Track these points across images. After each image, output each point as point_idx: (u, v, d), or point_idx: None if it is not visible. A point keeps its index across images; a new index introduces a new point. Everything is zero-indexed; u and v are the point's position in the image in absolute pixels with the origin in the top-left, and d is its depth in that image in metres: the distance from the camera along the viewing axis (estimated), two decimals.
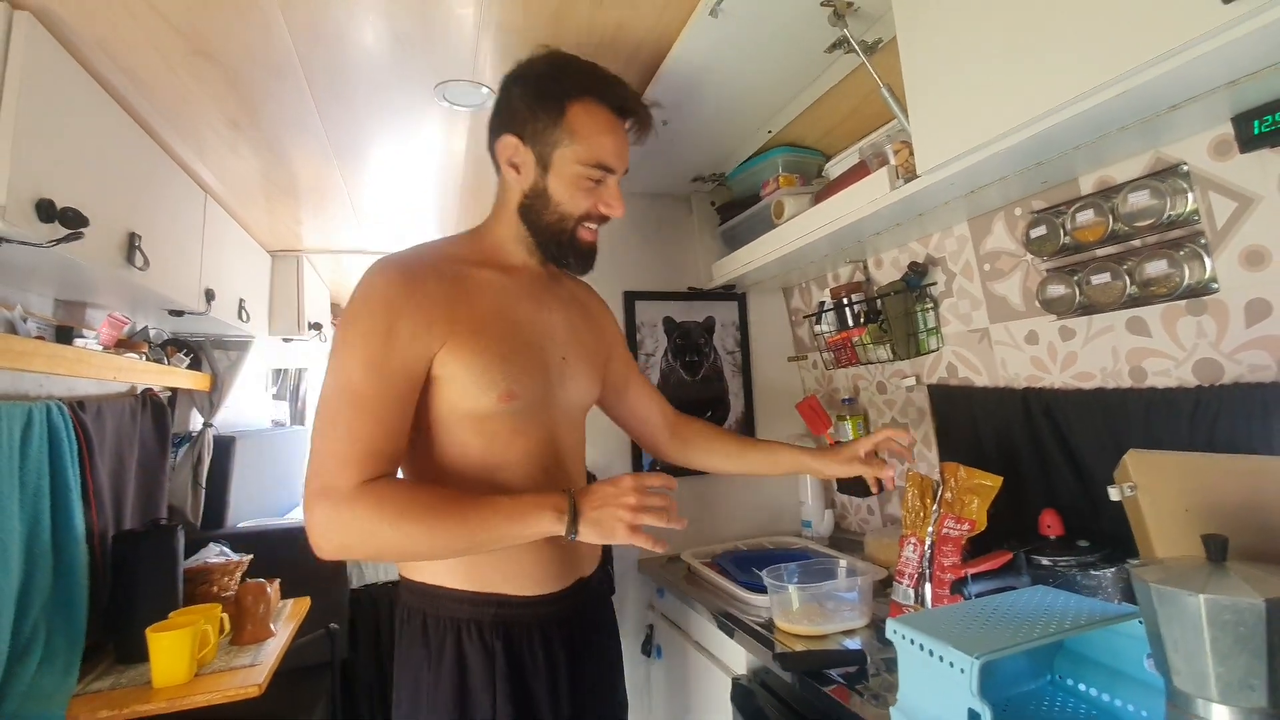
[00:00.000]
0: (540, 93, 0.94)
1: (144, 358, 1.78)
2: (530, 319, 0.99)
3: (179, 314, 1.72)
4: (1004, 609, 0.89)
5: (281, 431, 3.32)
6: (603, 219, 0.99)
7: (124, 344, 1.72)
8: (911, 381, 1.56)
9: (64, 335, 1.47)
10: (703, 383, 1.90)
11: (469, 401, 0.89)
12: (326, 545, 0.80)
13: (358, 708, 2.44)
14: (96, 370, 1.49)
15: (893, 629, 0.84)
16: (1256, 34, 0.66)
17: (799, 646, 1.13)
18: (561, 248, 0.99)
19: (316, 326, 2.57)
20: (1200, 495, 0.68)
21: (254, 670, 1.47)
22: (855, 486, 1.77)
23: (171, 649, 1.39)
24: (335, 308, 3.47)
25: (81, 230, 1.06)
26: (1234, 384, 0.95)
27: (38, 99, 1.02)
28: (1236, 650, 0.56)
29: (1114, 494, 0.83)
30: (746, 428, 1.93)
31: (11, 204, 0.94)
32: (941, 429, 1.51)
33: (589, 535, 0.84)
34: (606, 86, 0.96)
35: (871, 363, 1.60)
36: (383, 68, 1.26)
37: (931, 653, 0.77)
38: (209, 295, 1.74)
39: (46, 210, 1.01)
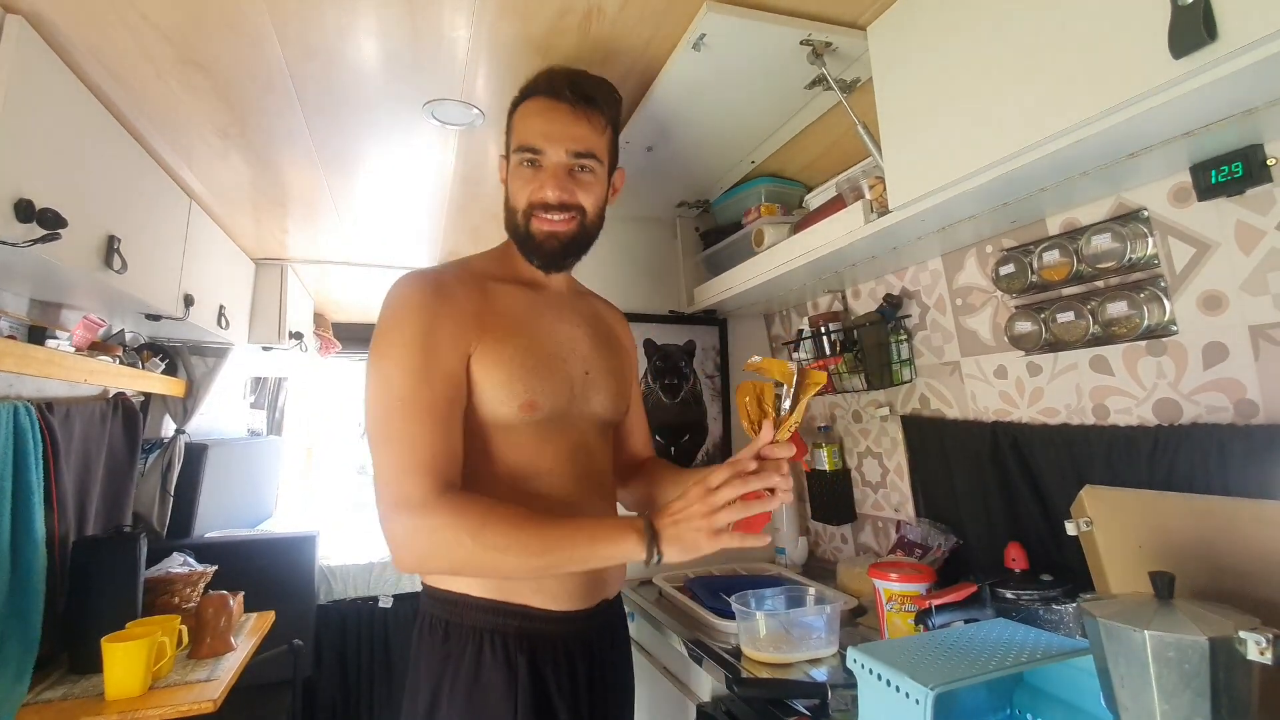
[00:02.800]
0: (510, 112, 1.03)
1: (118, 361, 1.76)
2: (551, 332, 1.00)
3: (156, 318, 1.70)
4: (965, 641, 0.89)
5: (257, 441, 3.28)
6: (547, 205, 0.96)
7: (98, 346, 1.70)
8: (886, 411, 1.58)
9: (36, 335, 1.45)
10: (682, 406, 1.91)
11: (492, 410, 0.90)
12: (408, 557, 0.81)
13: None
14: (67, 372, 1.47)
15: (852, 658, 0.84)
16: (1206, 89, 0.69)
17: (765, 674, 1.12)
18: (524, 243, 1.00)
19: (297, 336, 2.56)
20: (1153, 533, 0.69)
21: (209, 685, 1.44)
22: (828, 513, 1.78)
23: (126, 660, 1.36)
24: (319, 318, 3.45)
25: (59, 231, 1.05)
26: (1191, 424, 0.98)
27: (23, 100, 1.03)
28: (1181, 688, 0.57)
29: (1070, 529, 0.85)
30: (724, 451, 1.94)
31: None
32: (913, 459, 1.53)
33: (673, 554, 0.79)
34: (542, 78, 0.99)
35: (847, 391, 1.62)
36: (373, 84, 1.27)
37: (889, 683, 0.78)
38: (188, 301, 1.72)
39: (25, 210, 1.01)
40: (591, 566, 0.84)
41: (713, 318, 1.98)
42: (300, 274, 2.69)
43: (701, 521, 0.78)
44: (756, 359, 0.92)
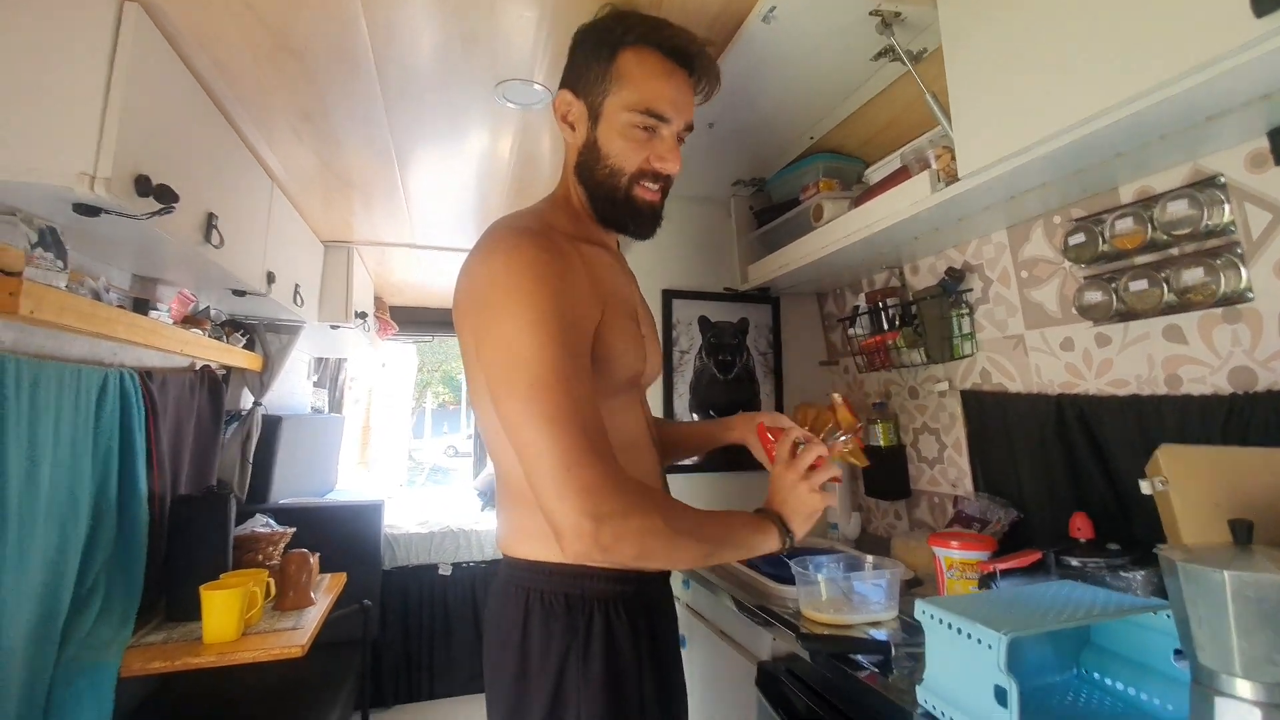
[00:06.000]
0: (595, 42, 0.91)
1: (206, 335, 1.88)
2: (628, 296, 0.98)
3: (241, 294, 1.82)
4: (1033, 597, 0.91)
5: (322, 417, 3.44)
6: (657, 176, 0.93)
7: (189, 320, 1.83)
8: (944, 386, 1.58)
9: (140, 307, 1.57)
10: (735, 382, 1.94)
11: (608, 382, 0.87)
12: (595, 542, 0.73)
13: (382, 687, 2.51)
14: (167, 342, 1.59)
15: (921, 609, 0.87)
16: None
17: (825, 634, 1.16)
18: (616, 206, 0.93)
19: (362, 315, 2.68)
20: (1230, 489, 0.70)
21: (296, 633, 1.55)
22: (882, 489, 1.80)
23: (223, 606, 1.47)
24: (378, 301, 3.59)
25: (173, 205, 1.15)
26: (1267, 391, 0.97)
27: (139, 84, 1.11)
28: (1260, 626, 0.58)
29: (1145, 487, 0.85)
30: None
31: (115, 177, 1.03)
32: (973, 434, 1.53)
33: (798, 526, 0.90)
34: (660, 30, 0.91)
35: (904, 366, 1.63)
36: (449, 65, 1.33)
37: (960, 631, 0.80)
38: (270, 278, 1.83)
39: (144, 185, 1.10)
40: (737, 555, 0.87)
41: (766, 296, 2.00)
42: (364, 256, 2.80)
43: (803, 486, 0.90)
44: (839, 398, 1.07)
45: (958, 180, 1.10)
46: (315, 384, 3.71)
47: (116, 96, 1.06)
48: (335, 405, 3.85)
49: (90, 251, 1.42)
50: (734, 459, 1.91)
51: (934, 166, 1.18)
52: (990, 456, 1.48)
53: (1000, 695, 0.75)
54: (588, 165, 0.94)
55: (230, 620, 1.49)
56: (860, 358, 1.79)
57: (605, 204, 0.94)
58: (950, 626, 0.82)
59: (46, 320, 1.13)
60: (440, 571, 2.62)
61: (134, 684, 1.75)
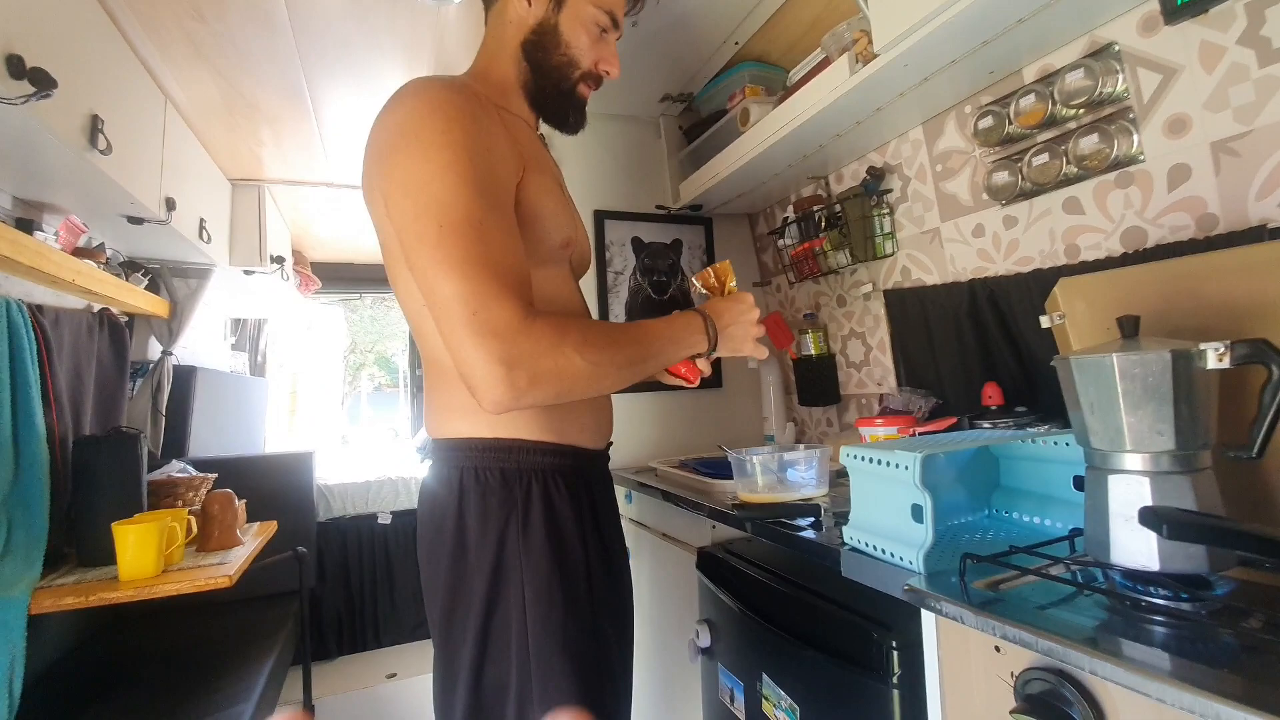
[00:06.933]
0: None
1: (103, 269, 1.74)
2: (553, 169, 0.98)
3: (138, 222, 1.68)
4: (944, 438, 0.97)
5: (242, 378, 3.26)
6: (599, 79, 0.96)
7: (82, 253, 1.68)
8: (869, 288, 1.64)
9: (24, 228, 1.43)
10: (670, 303, 1.95)
11: (534, 247, 0.85)
12: (509, 391, 0.70)
13: (325, 639, 2.45)
14: (56, 268, 1.46)
15: (846, 452, 0.91)
16: None
17: None
18: (561, 97, 0.95)
19: (279, 260, 2.53)
20: (1121, 309, 0.75)
21: (222, 568, 1.48)
22: (814, 396, 1.86)
23: (138, 542, 1.39)
24: (298, 255, 3.41)
25: (49, 91, 1.04)
26: (1155, 246, 1.04)
27: None
28: (1145, 400, 0.63)
29: (1044, 322, 0.91)
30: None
31: None
32: (895, 332, 1.59)
33: (723, 350, 0.91)
34: None
35: (832, 272, 1.67)
36: None
37: (879, 461, 0.84)
38: (170, 204, 1.71)
39: (16, 66, 0.99)
40: (666, 363, 0.87)
41: (699, 217, 2.01)
42: (278, 200, 2.65)
43: (754, 329, 0.92)
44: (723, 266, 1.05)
45: (876, 57, 1.12)
46: (234, 347, 3.51)
47: None
48: (257, 370, 3.66)
49: None
50: None
51: (851, 51, 1.20)
52: (911, 351, 1.55)
53: (917, 512, 0.79)
54: (542, 46, 0.93)
55: (148, 557, 1.40)
56: (790, 272, 1.83)
57: (550, 90, 0.95)
58: (871, 460, 0.85)
59: None
60: (380, 520, 2.55)
61: (52, 639, 1.65)
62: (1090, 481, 0.70)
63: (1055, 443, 0.90)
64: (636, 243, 1.92)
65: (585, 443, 0.94)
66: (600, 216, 1.89)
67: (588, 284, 1.86)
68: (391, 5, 1.42)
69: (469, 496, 0.85)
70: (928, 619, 0.74)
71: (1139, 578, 0.65)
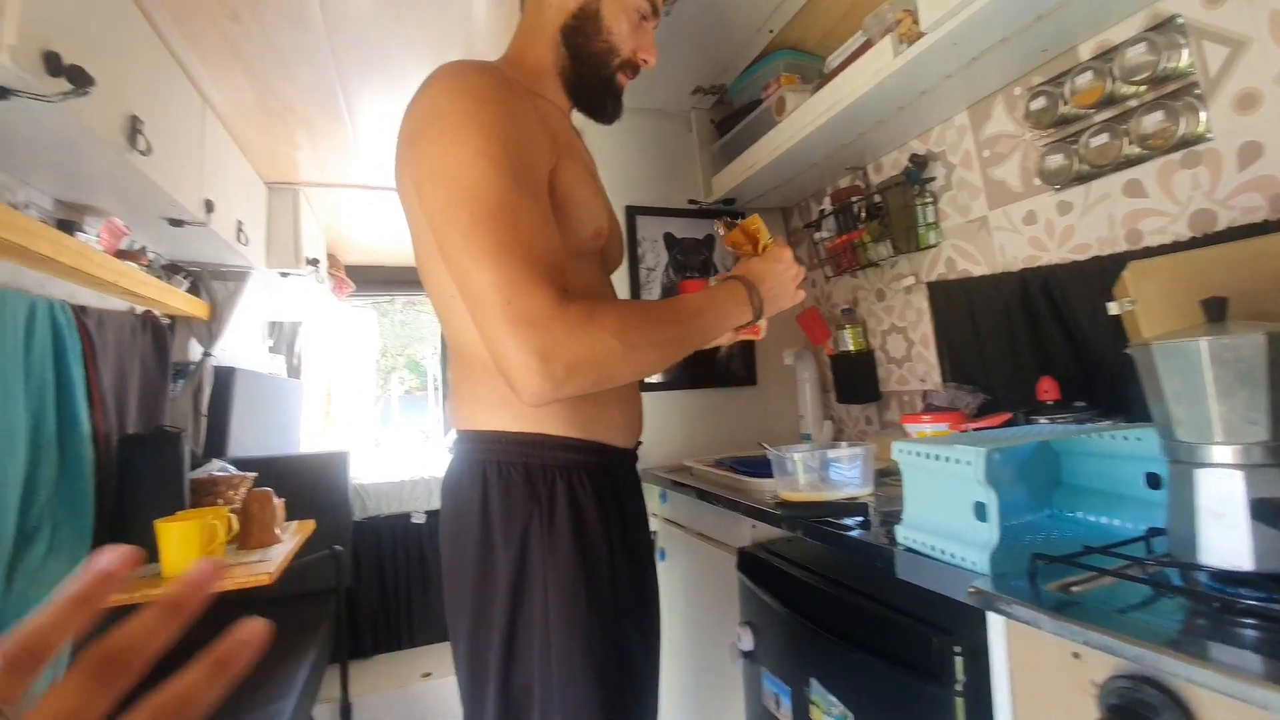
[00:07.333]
0: None
1: (144, 270, 1.77)
2: (586, 157, 0.96)
3: (179, 224, 1.71)
4: (1003, 433, 0.92)
5: (280, 379, 3.32)
6: (637, 68, 0.95)
7: (124, 255, 1.71)
8: (911, 281, 1.59)
9: (65, 229, 1.46)
10: None
11: (571, 236, 0.82)
12: (546, 382, 0.67)
13: (361, 637, 2.47)
14: (98, 269, 1.48)
15: (898, 449, 0.87)
16: None
17: None
18: (601, 84, 0.93)
19: (314, 262, 2.57)
20: (1196, 294, 0.70)
21: (262, 564, 1.49)
22: (853, 394, 1.80)
23: (180, 539, 1.41)
24: (332, 259, 3.46)
25: (87, 90, 1.05)
26: (1227, 229, 0.98)
27: None
28: (1239, 386, 0.58)
29: (1113, 308, 0.86)
30: (746, 343, 1.95)
31: (21, 47, 0.94)
32: (940, 325, 1.53)
33: (769, 311, 0.91)
34: None
35: (871, 265, 1.62)
36: None
37: (938, 457, 0.80)
38: (209, 206, 1.73)
39: (54, 64, 1.01)
40: (710, 339, 0.86)
41: (732, 211, 1.97)
42: (312, 203, 2.68)
43: (793, 285, 0.92)
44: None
45: (922, 35, 1.07)
46: (271, 350, 3.57)
47: None
48: (293, 371, 3.72)
49: (2, 162, 1.31)
50: (719, 374, 1.91)
51: (895, 33, 1.15)
52: (957, 345, 1.49)
53: (980, 510, 0.75)
54: (583, 31, 0.91)
55: (190, 554, 1.42)
56: (827, 266, 1.78)
57: (588, 77, 0.93)
58: (928, 456, 0.81)
59: None
60: (413, 520, 2.57)
61: (93, 636, 1.68)
62: (1174, 477, 0.65)
63: (1125, 437, 0.85)
64: (669, 238, 1.90)
65: (613, 440, 0.91)
66: (632, 212, 1.86)
67: (620, 281, 1.84)
68: (423, 3, 1.42)
69: (492, 492, 0.83)
70: (995, 623, 0.70)
71: (1230, 579, 0.60)
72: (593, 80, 0.93)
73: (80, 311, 1.56)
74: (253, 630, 0.29)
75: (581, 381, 0.70)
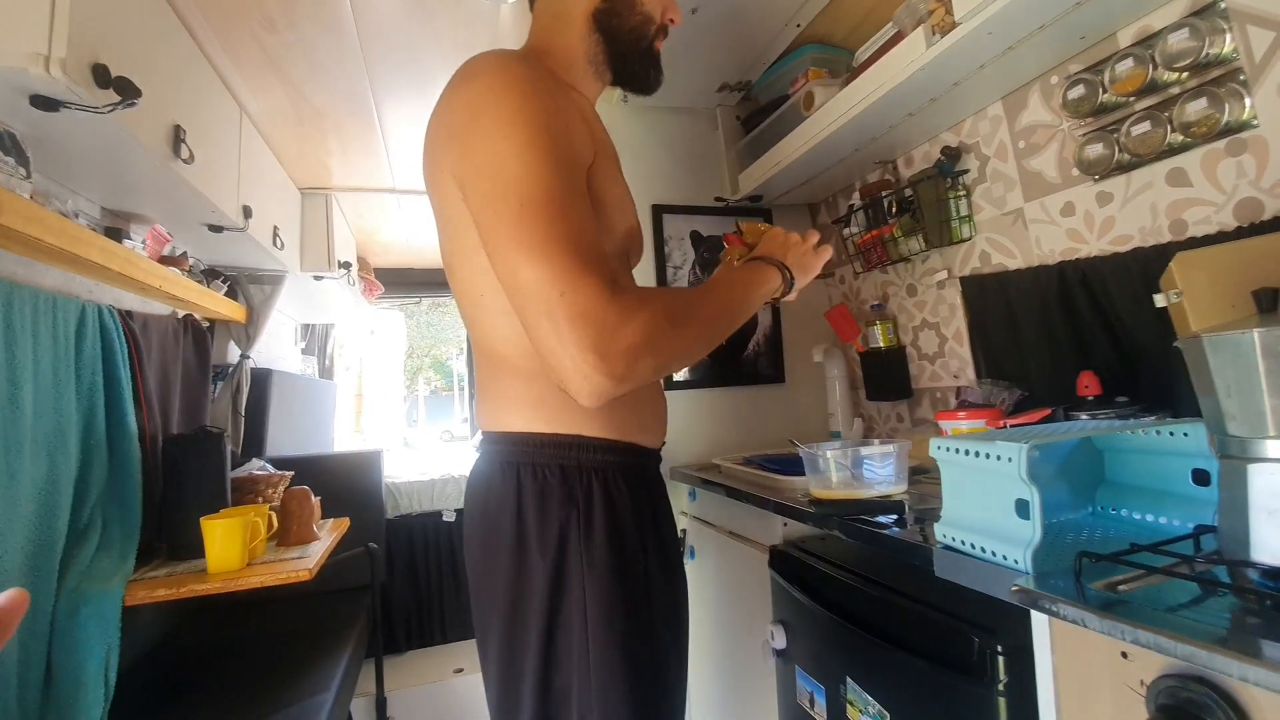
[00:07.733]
0: None
1: (187, 275, 1.83)
2: (615, 151, 0.95)
3: (218, 230, 1.76)
4: (1044, 429, 0.90)
5: (313, 380, 3.39)
6: (665, 32, 0.95)
7: (167, 261, 1.77)
8: (943, 275, 1.56)
9: (113, 236, 1.51)
10: None
11: (605, 235, 0.81)
12: (607, 377, 0.66)
13: (394, 631, 2.51)
14: (145, 275, 1.53)
15: (936, 445, 0.86)
16: None
17: None
18: (642, 58, 0.92)
19: (346, 265, 2.62)
20: (1246, 285, 0.68)
21: (302, 561, 1.52)
22: (884, 391, 1.78)
23: (225, 536, 1.45)
24: (362, 262, 3.52)
25: (134, 100, 1.09)
26: (1274, 218, 0.95)
27: None
28: None
29: (1160, 300, 0.84)
30: (774, 341, 1.95)
31: (71, 60, 0.97)
32: (974, 321, 1.51)
33: (801, 281, 0.94)
34: None
35: (902, 259, 1.60)
36: None
37: (978, 454, 0.79)
38: (247, 212, 1.78)
39: (102, 75, 1.04)
40: (748, 312, 0.87)
41: (759, 208, 1.96)
42: (344, 208, 2.73)
43: (808, 251, 0.95)
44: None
45: (956, 25, 1.06)
46: (304, 351, 3.65)
47: None
48: (325, 373, 3.80)
49: (53, 172, 1.36)
50: (747, 372, 1.90)
51: (927, 23, 1.14)
52: (992, 340, 1.47)
53: (1022, 508, 0.73)
54: (616, 12, 0.90)
55: (234, 550, 1.46)
56: (857, 262, 1.77)
57: (631, 53, 0.92)
58: (968, 453, 0.80)
59: (11, 228, 1.07)
60: (445, 518, 2.60)
61: (141, 631, 1.74)
62: (1225, 473, 0.63)
63: (1171, 433, 0.83)
64: (695, 236, 1.89)
65: (644, 440, 0.91)
66: (658, 211, 1.86)
67: (646, 280, 1.84)
68: (453, 7, 1.44)
69: (526, 494, 0.82)
70: (1039, 622, 0.69)
71: None
72: (634, 55, 0.92)
73: (127, 316, 1.61)
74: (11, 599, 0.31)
75: (642, 370, 0.69)
